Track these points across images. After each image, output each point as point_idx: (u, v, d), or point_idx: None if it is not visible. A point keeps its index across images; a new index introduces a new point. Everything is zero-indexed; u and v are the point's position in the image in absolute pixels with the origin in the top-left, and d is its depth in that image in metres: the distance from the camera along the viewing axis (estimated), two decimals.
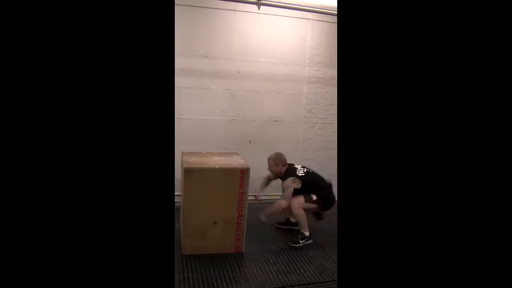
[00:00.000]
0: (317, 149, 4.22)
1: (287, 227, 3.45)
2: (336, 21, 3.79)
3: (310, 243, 3.10)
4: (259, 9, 3.32)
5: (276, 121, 4.02)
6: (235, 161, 3.00)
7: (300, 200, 3.08)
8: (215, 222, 2.79)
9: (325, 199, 3.15)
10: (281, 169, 3.21)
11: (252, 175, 2.81)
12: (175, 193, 3.09)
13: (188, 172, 2.68)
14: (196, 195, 2.72)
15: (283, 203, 3.06)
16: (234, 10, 3.59)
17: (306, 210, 3.10)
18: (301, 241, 3.07)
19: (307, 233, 3.11)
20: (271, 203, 4.04)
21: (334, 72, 4.01)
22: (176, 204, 3.39)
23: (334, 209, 3.67)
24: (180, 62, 3.50)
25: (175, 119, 3.51)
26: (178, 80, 3.48)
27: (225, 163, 2.91)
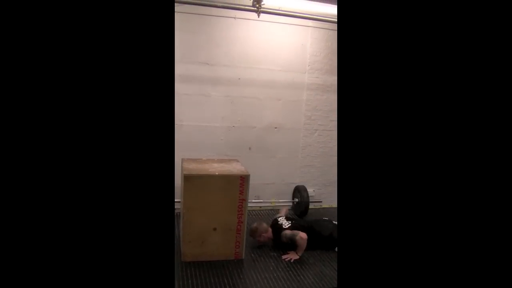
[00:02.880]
0: (317, 156, 4.23)
1: None
2: (335, 28, 3.82)
3: (310, 251, 3.07)
4: (259, 17, 3.34)
5: (276, 127, 4.03)
6: (235, 168, 3.00)
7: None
8: (215, 229, 2.79)
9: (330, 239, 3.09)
10: (268, 234, 3.11)
11: (252, 181, 2.81)
12: (175, 200, 3.09)
13: (188, 178, 2.68)
14: (196, 201, 2.72)
15: (304, 237, 2.92)
16: (234, 18, 3.62)
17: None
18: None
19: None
20: (271, 210, 4.04)
21: (333, 79, 4.03)
22: (176, 211, 3.38)
23: (334, 216, 3.66)
24: (180, 69, 3.51)
25: (175, 125, 3.52)
26: (179, 87, 3.49)
27: (225, 169, 2.91)
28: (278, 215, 3.41)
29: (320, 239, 3.08)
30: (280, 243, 3.05)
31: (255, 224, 3.13)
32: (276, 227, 3.14)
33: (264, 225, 3.13)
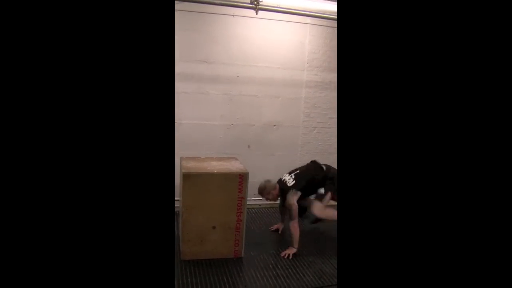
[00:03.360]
0: (316, 153, 4.22)
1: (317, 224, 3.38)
2: (334, 25, 3.81)
3: (306, 245, 3.07)
4: (257, 14, 3.33)
5: (275, 125, 4.02)
6: (234, 166, 2.99)
7: (318, 205, 3.05)
8: (214, 227, 2.79)
9: (330, 184, 3.12)
10: (276, 191, 3.15)
11: (251, 179, 2.81)
12: (175, 198, 3.09)
13: (186, 177, 2.67)
14: (195, 200, 2.71)
15: (296, 226, 2.95)
16: (233, 15, 3.61)
17: (333, 209, 3.02)
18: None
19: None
20: (270, 207, 4.04)
21: (332, 77, 4.02)
22: (175, 209, 3.38)
23: None
24: (179, 67, 3.50)
25: (174, 124, 3.51)
26: (177, 85, 3.48)
27: (223, 167, 2.91)
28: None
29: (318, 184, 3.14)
30: (284, 205, 3.13)
31: (263, 182, 3.17)
32: (282, 184, 3.15)
33: (272, 182, 3.17)
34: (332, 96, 4.09)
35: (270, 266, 2.79)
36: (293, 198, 2.98)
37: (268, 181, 3.19)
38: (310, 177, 3.16)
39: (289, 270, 2.75)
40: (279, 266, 2.79)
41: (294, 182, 3.09)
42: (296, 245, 2.97)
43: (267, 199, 3.20)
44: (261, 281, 2.57)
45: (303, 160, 4.17)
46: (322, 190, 3.10)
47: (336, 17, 3.35)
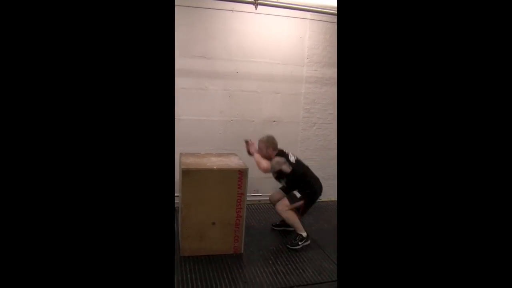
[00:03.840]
0: (316, 149, 4.21)
1: (282, 228, 3.39)
2: (334, 20, 3.79)
3: (309, 244, 3.08)
4: (256, 9, 3.31)
5: (274, 121, 4.01)
6: (233, 162, 2.98)
7: (284, 202, 3.05)
8: (213, 223, 2.78)
9: (310, 195, 3.10)
10: (271, 153, 3.09)
11: (250, 175, 2.80)
12: (174, 195, 3.09)
13: (186, 173, 2.67)
14: (194, 196, 2.71)
15: (266, 166, 2.96)
16: (232, 11, 3.58)
17: (293, 210, 3.06)
18: (300, 243, 3.04)
19: (304, 234, 3.07)
20: (270, 203, 4.02)
21: (332, 72, 4.01)
22: (174, 205, 3.38)
23: (334, 210, 3.67)
24: (178, 63, 3.48)
25: None
26: (176, 81, 3.45)
27: (223, 163, 2.90)
28: None
29: (304, 185, 3.12)
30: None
31: (269, 135, 3.17)
32: (282, 154, 3.11)
33: (275, 142, 3.13)
34: (332, 91, 4.07)
35: (270, 262, 2.79)
36: (283, 164, 2.98)
37: (274, 138, 3.14)
38: (307, 172, 3.16)
39: (289, 266, 2.75)
40: (278, 262, 2.79)
41: (294, 161, 3.10)
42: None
43: (260, 152, 3.09)
44: (260, 277, 2.57)
45: (303, 156, 4.15)
46: (298, 194, 3.07)
47: (336, 12, 3.33)
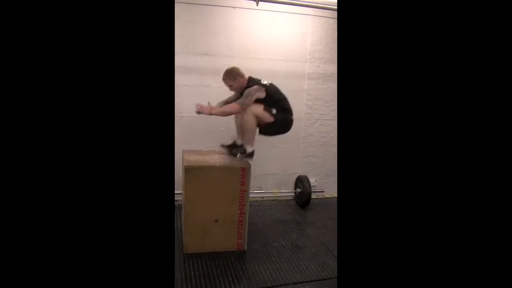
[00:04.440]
0: (319, 146, 4.20)
1: (229, 148, 3.07)
2: (336, 16, 3.76)
3: (309, 237, 3.05)
4: (257, 5, 3.29)
5: None
6: (236, 159, 2.98)
7: (259, 107, 2.79)
8: (216, 220, 2.79)
9: (284, 121, 2.92)
10: (243, 81, 2.86)
11: (253, 172, 2.80)
12: (177, 192, 3.09)
13: (189, 170, 2.67)
14: (197, 193, 2.71)
15: (236, 107, 2.77)
16: (233, 7, 3.57)
17: (260, 121, 2.81)
18: (240, 154, 2.85)
19: (250, 149, 2.85)
20: (273, 200, 4.04)
21: (334, 68, 3.98)
22: (177, 203, 3.38)
23: (335, 207, 3.65)
24: (180, 60, 3.48)
25: (176, 117, 3.50)
26: (178, 78, 3.46)
27: (226, 161, 2.90)
28: None
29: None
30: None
31: (229, 67, 2.92)
32: (253, 79, 2.91)
33: (239, 69, 2.89)
34: (334, 87, 4.05)
35: (273, 259, 2.79)
36: (256, 91, 2.76)
37: (235, 67, 2.91)
38: (283, 98, 2.96)
39: (292, 262, 2.75)
40: (282, 259, 2.79)
41: (267, 84, 2.89)
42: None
43: (229, 86, 2.92)
44: (264, 274, 2.57)
45: (305, 152, 4.16)
46: (274, 110, 2.84)
47: None
